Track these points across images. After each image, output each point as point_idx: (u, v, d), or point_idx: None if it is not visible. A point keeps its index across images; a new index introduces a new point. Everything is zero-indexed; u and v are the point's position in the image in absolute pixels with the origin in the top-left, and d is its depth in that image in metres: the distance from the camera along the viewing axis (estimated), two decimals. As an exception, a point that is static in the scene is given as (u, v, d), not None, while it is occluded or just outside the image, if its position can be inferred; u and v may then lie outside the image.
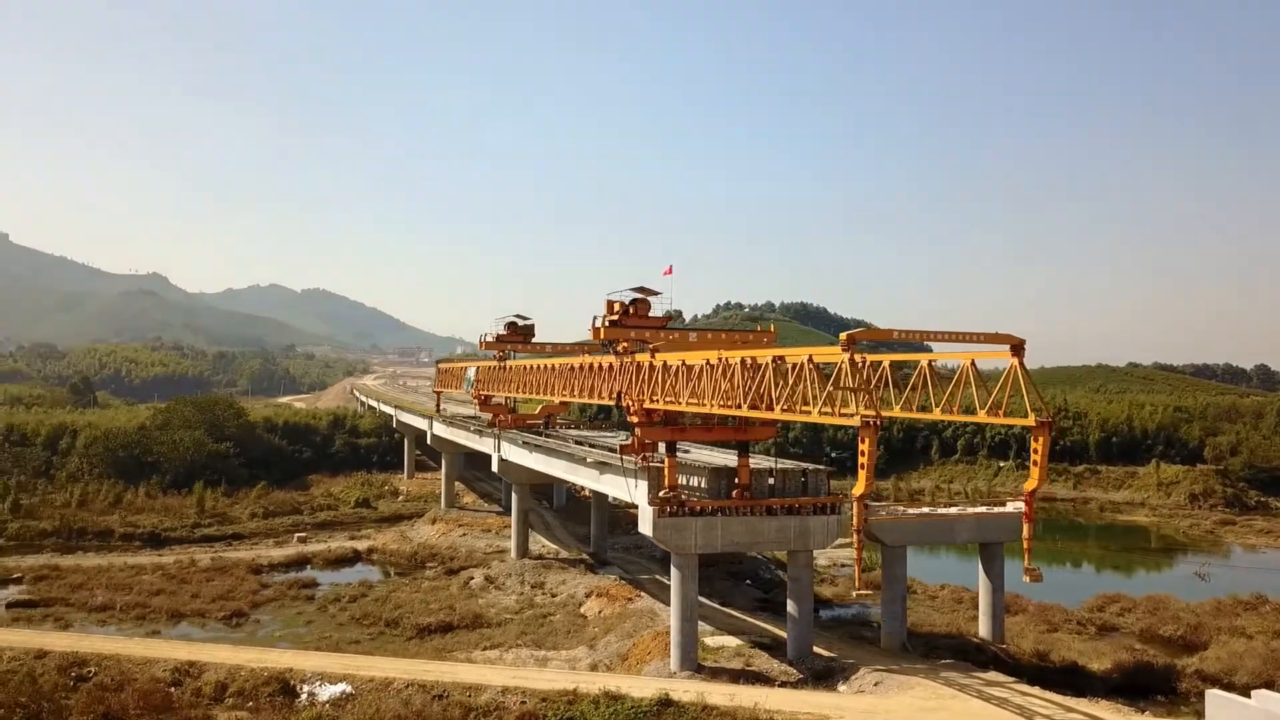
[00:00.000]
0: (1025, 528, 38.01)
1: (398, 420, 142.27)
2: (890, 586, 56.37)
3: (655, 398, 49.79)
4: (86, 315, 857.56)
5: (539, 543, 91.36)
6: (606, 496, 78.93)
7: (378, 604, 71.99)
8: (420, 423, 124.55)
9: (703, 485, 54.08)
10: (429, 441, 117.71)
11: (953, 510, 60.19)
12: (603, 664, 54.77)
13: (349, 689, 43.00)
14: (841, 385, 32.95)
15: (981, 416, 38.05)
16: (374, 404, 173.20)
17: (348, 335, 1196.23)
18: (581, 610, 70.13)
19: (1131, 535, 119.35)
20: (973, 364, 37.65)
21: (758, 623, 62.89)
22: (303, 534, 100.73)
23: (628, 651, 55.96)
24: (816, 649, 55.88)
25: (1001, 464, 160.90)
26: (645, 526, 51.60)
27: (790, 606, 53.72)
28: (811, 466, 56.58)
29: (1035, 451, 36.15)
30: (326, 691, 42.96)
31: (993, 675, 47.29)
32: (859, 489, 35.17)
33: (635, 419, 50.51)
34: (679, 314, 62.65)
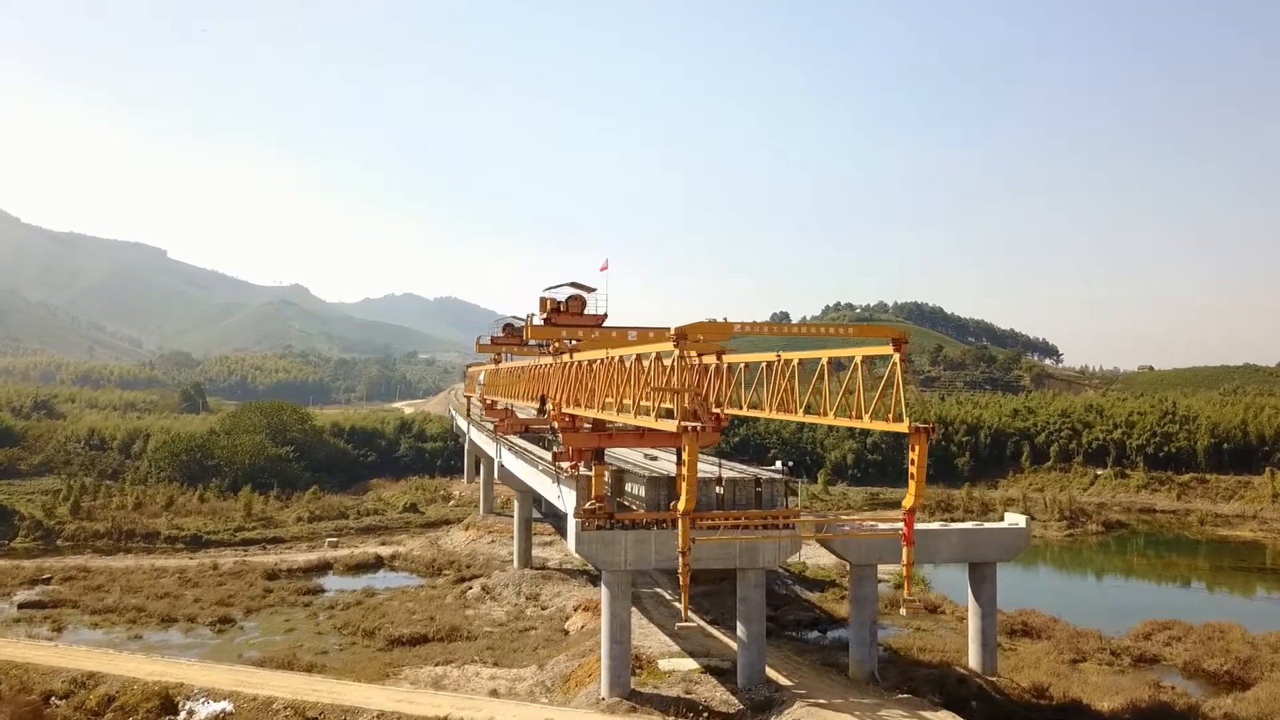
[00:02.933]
0: (904, 552, 32.75)
1: (455, 423, 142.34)
2: (859, 609, 50.96)
3: (579, 401, 46.24)
4: (232, 326, 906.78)
5: (563, 551, 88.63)
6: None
7: (366, 613, 70.67)
8: (464, 425, 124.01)
9: (641, 494, 50.07)
10: (466, 446, 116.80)
11: (933, 525, 54.08)
12: (542, 685, 51.48)
13: (229, 707, 41.07)
14: (665, 386, 28.78)
15: (851, 420, 33.07)
16: (449, 410, 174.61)
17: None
18: (565, 625, 67.13)
19: (1233, 552, 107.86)
20: (863, 361, 32.72)
21: (732, 643, 58.28)
22: (334, 539, 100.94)
23: (572, 672, 52.45)
24: (778, 675, 51.17)
25: (1099, 471, 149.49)
26: (570, 540, 48.03)
27: (739, 630, 49.12)
28: (768, 475, 51.83)
29: (911, 463, 30.93)
30: (206, 709, 41.17)
31: (942, 716, 41.61)
32: (908, 500, 31.05)
33: (557, 423, 47.02)
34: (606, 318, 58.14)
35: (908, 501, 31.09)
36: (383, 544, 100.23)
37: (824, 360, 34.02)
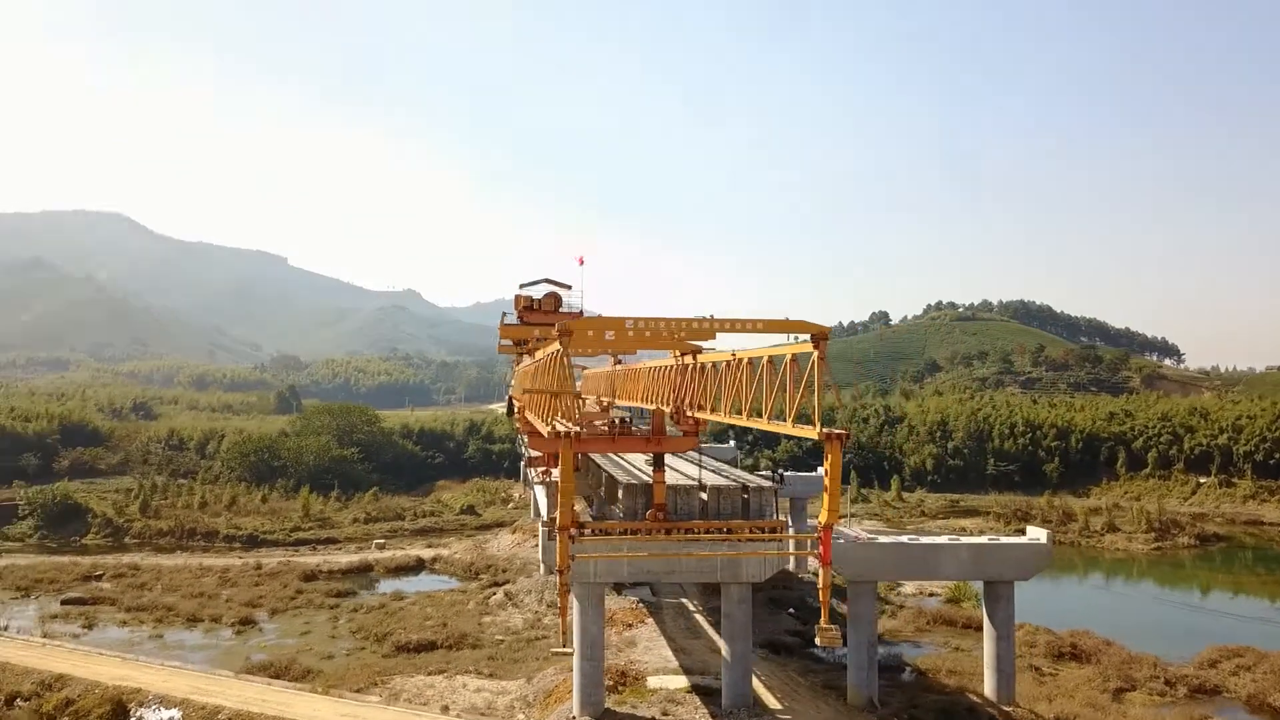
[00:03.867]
0: (821, 574, 29.21)
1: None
2: (855, 629, 47.13)
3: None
4: (345, 330, 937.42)
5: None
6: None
7: (384, 617, 69.97)
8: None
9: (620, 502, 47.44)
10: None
11: (941, 539, 49.61)
12: (524, 699, 49.37)
13: (178, 715, 40.29)
14: (544, 386, 26.21)
15: (762, 423, 29.74)
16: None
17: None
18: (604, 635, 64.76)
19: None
20: (792, 359, 29.34)
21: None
22: (382, 541, 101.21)
23: (555, 687, 50.06)
24: (770, 697, 47.98)
25: (1202, 480, 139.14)
26: (539, 549, 45.74)
27: (724, 648, 46.05)
28: (758, 482, 48.49)
29: (825, 474, 27.50)
30: (155, 716, 40.48)
31: (925, 752, 37.69)
32: (824, 516, 27.91)
33: (519, 425, 44.79)
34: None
35: (823, 516, 27.69)
36: (429, 546, 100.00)
37: (765, 359, 30.82)
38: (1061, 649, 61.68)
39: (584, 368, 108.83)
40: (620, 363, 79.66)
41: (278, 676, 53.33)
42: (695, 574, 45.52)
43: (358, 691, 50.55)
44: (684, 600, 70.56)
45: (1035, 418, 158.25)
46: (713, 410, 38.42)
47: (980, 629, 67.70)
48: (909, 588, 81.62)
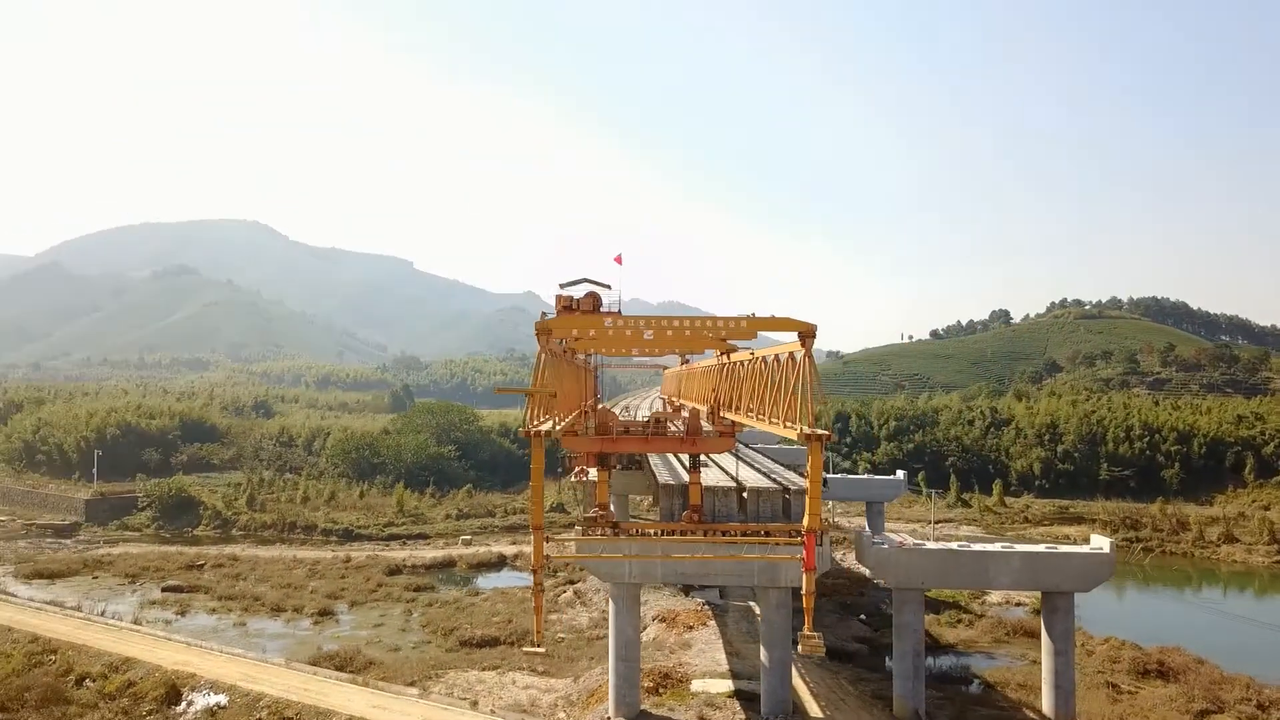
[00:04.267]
0: (804, 579, 28.06)
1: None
2: (901, 638, 45.48)
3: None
4: (467, 331, 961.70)
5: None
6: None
7: (454, 612, 71.48)
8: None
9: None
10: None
11: (993, 546, 47.15)
12: (567, 698, 49.64)
13: (224, 701, 42.00)
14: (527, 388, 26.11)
15: (754, 422, 28.74)
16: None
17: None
18: (641, 636, 64.67)
19: None
20: (789, 357, 28.43)
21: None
22: (469, 537, 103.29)
23: (599, 687, 50.10)
24: (814, 705, 46.87)
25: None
26: (572, 549, 45.79)
27: (762, 654, 45.09)
28: (799, 485, 47.26)
29: (807, 477, 26.47)
30: (203, 700, 42.33)
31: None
32: (806, 520, 27.40)
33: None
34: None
35: (806, 521, 26.70)
36: (513, 543, 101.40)
37: (771, 357, 30.02)
38: (1147, 666, 58.14)
39: (664, 367, 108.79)
40: (686, 362, 79.21)
41: (341, 668, 55.09)
42: (732, 577, 44.74)
43: (410, 684, 51.84)
44: (751, 604, 69.64)
45: (1154, 420, 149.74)
46: (735, 409, 37.69)
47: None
48: (995, 596, 78.43)
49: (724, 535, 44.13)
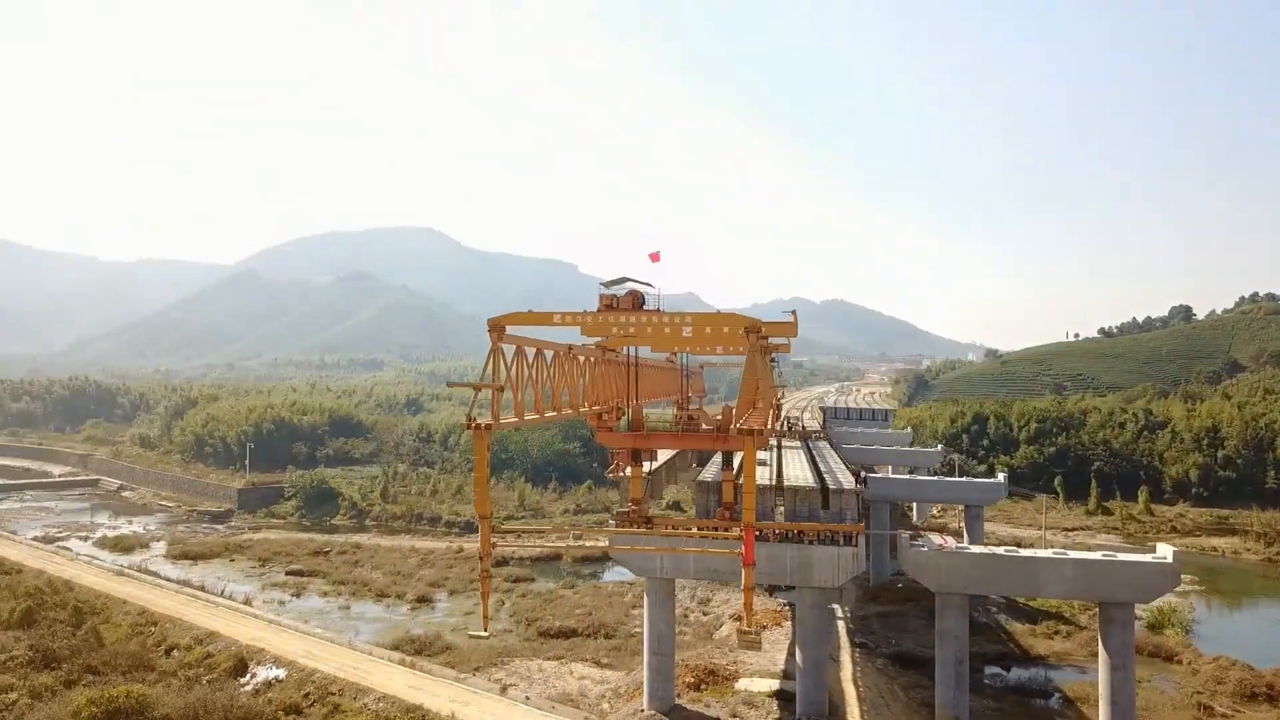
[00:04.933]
0: (744, 575, 27.44)
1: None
2: (942, 644, 43.86)
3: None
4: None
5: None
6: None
7: (543, 604, 73.57)
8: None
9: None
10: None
11: (1044, 552, 44.40)
12: (615, 690, 50.41)
13: (282, 675, 45.11)
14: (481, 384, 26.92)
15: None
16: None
17: (862, 344, 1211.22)
18: (715, 634, 64.90)
19: None
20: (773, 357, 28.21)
21: (848, 670, 52.88)
22: (579, 532, 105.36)
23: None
24: (856, 708, 46.09)
25: None
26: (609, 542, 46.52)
27: (798, 655, 44.56)
28: (839, 484, 46.32)
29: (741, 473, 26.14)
30: (265, 674, 45.58)
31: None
32: (744, 515, 27.66)
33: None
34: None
35: (744, 515, 26.45)
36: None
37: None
38: (1255, 689, 53.91)
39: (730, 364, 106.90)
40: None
41: (420, 651, 58.06)
42: (764, 575, 44.32)
43: (475, 670, 54.03)
44: (834, 606, 68.53)
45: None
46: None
47: (1170, 659, 60.72)
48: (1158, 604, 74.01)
49: (757, 534, 44.04)
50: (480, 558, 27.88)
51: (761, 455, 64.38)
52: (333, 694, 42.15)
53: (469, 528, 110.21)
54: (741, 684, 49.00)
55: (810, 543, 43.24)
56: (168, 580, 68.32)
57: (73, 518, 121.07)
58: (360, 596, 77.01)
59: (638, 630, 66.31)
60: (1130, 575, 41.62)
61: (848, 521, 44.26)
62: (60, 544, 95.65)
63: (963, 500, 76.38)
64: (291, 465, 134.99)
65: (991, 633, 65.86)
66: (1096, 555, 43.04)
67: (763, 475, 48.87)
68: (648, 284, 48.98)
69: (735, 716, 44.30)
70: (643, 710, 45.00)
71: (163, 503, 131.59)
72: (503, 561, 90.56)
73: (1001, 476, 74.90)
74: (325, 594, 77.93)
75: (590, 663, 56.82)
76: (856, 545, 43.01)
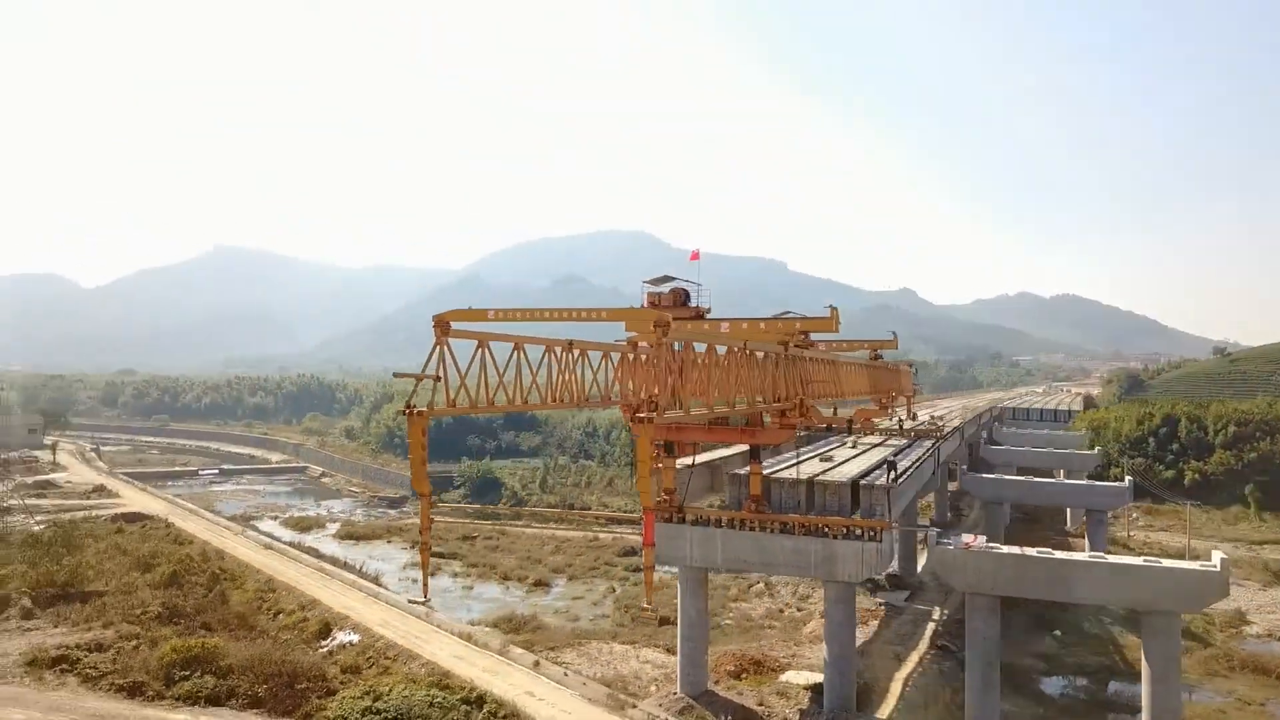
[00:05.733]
0: (644, 554, 28.17)
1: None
2: (971, 646, 42.76)
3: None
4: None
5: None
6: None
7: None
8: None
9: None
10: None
11: (1078, 555, 41.71)
12: (667, 674, 52.07)
13: (355, 639, 50.10)
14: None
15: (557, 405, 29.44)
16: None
17: (1096, 342, 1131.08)
18: (804, 628, 65.24)
19: None
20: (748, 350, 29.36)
21: (907, 669, 52.01)
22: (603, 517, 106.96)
23: (698, 667, 52.10)
24: (888, 704, 45.93)
25: None
26: (645, 531, 48.27)
27: (825, 649, 44.75)
28: (871, 480, 45.89)
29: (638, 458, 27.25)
30: (343, 638, 50.72)
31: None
32: (643, 499, 29.37)
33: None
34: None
35: (642, 500, 27.64)
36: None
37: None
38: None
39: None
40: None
41: (516, 629, 62.29)
42: (791, 568, 44.73)
43: (551, 649, 57.35)
44: (933, 608, 67.05)
45: None
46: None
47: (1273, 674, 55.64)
48: (1256, 626, 68.01)
49: (782, 526, 44.66)
50: (420, 531, 30.60)
51: (820, 449, 64.07)
52: (388, 658, 46.41)
53: (612, 519, 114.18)
54: (787, 676, 49.52)
55: (835, 537, 43.38)
56: (308, 554, 75.54)
57: (274, 500, 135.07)
58: (486, 578, 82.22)
59: (727, 622, 67.58)
60: (1171, 582, 39.11)
61: (878, 516, 44.02)
62: (252, 522, 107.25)
63: (1083, 504, 72.10)
64: (465, 456, 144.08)
65: (1100, 643, 62.24)
66: (1137, 560, 40.63)
67: (809, 469, 49.32)
68: (695, 282, 50.74)
69: (761, 704, 45.07)
70: (675, 693, 46.56)
71: (351, 489, 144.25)
72: (630, 552, 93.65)
73: (1128, 481, 70.19)
74: (456, 575, 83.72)
75: (662, 649, 58.55)
76: (880, 541, 42.72)
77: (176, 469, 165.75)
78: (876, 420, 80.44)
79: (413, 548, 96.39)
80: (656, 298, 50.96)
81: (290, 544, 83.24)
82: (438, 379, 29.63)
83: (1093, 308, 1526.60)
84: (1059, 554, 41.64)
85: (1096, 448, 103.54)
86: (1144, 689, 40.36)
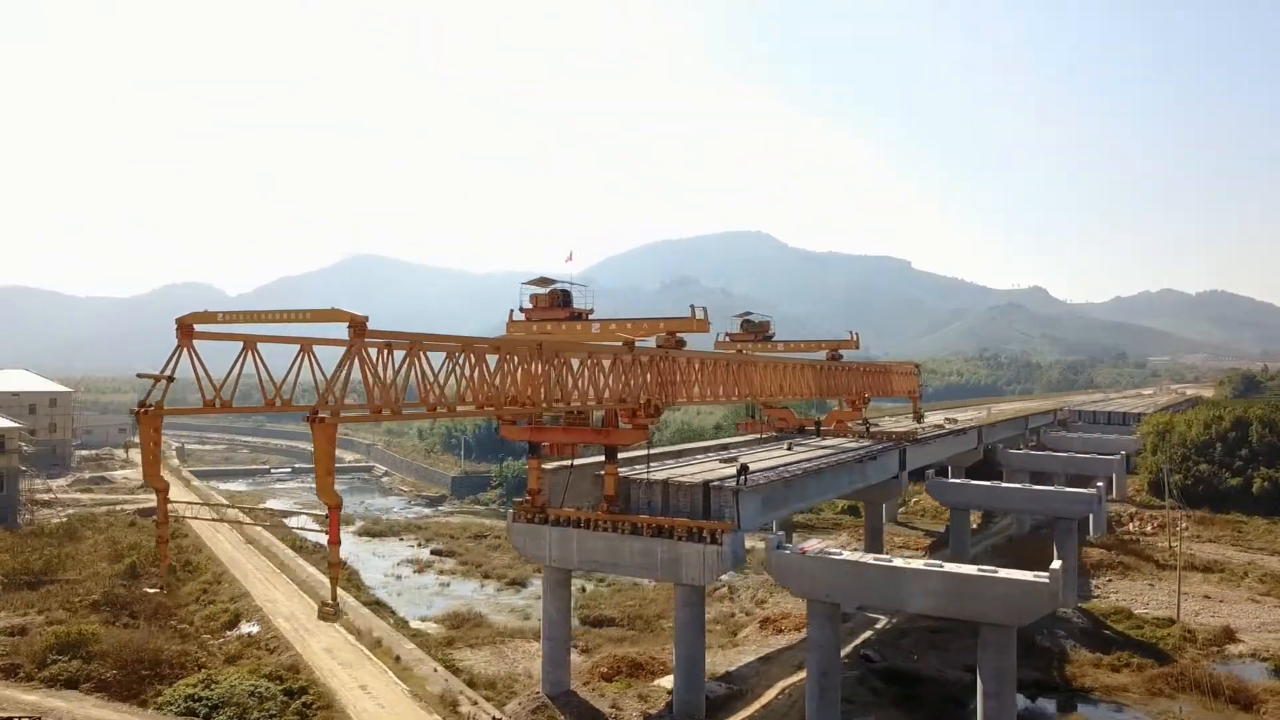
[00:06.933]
0: (330, 551, 28.20)
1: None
2: (810, 656, 41.41)
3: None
4: (955, 331, 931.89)
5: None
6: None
7: (614, 594, 75.87)
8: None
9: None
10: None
11: (914, 563, 39.45)
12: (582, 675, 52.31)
13: (256, 630, 52.29)
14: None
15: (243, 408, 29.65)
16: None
17: (1247, 342, 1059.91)
18: (739, 633, 64.48)
19: None
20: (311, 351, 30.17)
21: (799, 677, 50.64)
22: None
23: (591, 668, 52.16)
24: (745, 715, 44.75)
25: None
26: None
27: (674, 654, 44.26)
28: (720, 482, 44.92)
29: (315, 451, 27.54)
30: (248, 628, 53.07)
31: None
32: (322, 497, 29.35)
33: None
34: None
35: (322, 497, 27.95)
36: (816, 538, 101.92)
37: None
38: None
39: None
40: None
41: (456, 626, 63.86)
42: (639, 569, 44.44)
43: (471, 646, 58.55)
44: (881, 618, 65.01)
45: None
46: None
47: (1247, 708, 51.76)
48: (1247, 644, 63.20)
49: (632, 528, 44.36)
50: (158, 525, 31.85)
51: (748, 450, 62.74)
52: (267, 649, 48.30)
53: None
54: (663, 680, 48.98)
55: (680, 540, 42.86)
56: (287, 549, 78.74)
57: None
58: (469, 576, 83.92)
59: (670, 625, 67.00)
60: (1000, 594, 37.09)
61: (727, 519, 43.21)
62: (290, 516, 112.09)
63: (1049, 512, 68.21)
64: (510, 457, 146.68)
65: (1044, 657, 58.89)
66: (965, 569, 38.63)
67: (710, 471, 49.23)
68: (581, 285, 51.13)
69: (614, 707, 44.83)
70: (536, 692, 46.75)
71: (402, 487, 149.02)
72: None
73: (1097, 487, 66.21)
74: (442, 572, 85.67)
75: (578, 650, 58.65)
76: (722, 544, 41.95)
77: (250, 467, 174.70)
78: (849, 422, 78.40)
79: (420, 545, 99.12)
80: (535, 298, 51.46)
81: (292, 540, 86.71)
82: (171, 379, 30.96)
83: (1244, 304, 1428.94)
84: (896, 562, 40.05)
85: (1121, 452, 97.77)
86: (979, 705, 38.38)
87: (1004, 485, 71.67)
